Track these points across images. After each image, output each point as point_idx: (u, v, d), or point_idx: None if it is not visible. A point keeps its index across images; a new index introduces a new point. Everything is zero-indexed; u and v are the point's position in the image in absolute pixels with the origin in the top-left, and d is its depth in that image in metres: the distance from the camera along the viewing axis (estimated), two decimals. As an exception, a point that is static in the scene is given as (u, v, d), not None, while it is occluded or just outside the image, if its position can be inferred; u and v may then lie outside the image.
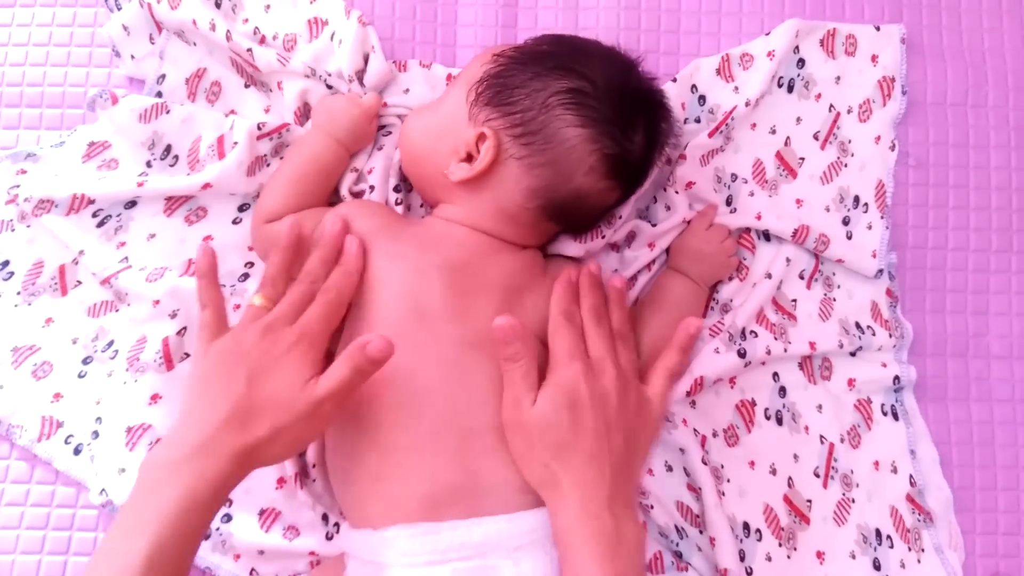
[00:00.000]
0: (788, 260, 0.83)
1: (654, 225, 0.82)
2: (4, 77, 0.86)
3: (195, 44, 0.84)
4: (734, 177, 0.84)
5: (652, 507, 0.77)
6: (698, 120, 0.85)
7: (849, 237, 0.84)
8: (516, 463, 0.64)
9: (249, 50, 0.81)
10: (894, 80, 0.88)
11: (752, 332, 0.80)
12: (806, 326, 0.83)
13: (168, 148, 0.82)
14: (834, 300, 0.85)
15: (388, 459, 0.66)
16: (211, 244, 0.71)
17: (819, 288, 0.85)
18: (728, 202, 0.84)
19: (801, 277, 0.84)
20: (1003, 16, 0.91)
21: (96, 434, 0.77)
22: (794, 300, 0.84)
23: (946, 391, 0.85)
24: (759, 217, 0.83)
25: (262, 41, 0.83)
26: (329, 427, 0.68)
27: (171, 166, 0.82)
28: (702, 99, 0.85)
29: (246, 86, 0.84)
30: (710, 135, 0.82)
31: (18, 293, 0.81)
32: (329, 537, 0.76)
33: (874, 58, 0.88)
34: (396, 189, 0.80)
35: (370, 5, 0.87)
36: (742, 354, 0.79)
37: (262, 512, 0.76)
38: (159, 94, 0.84)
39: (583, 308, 0.70)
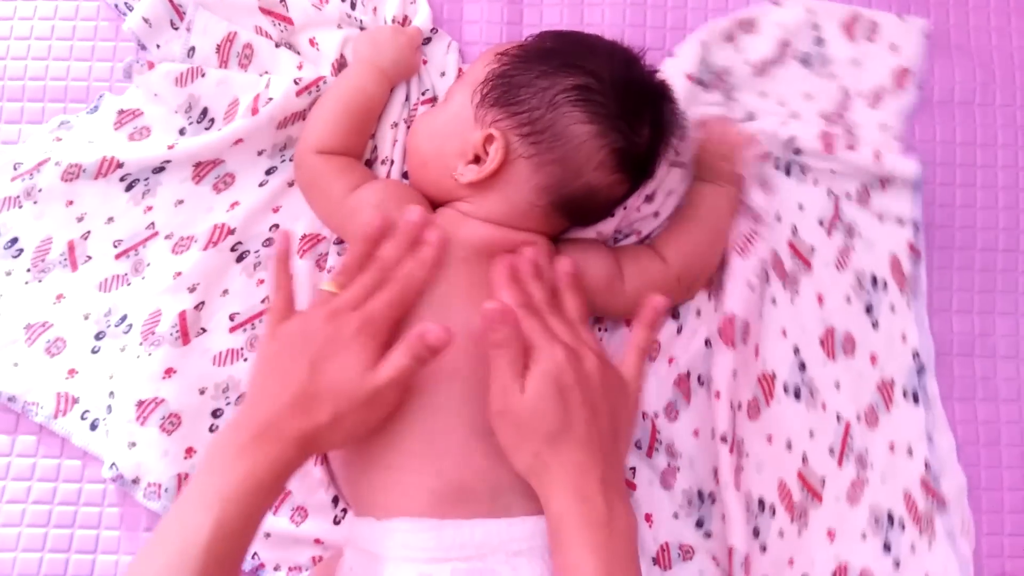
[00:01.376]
0: (801, 206, 0.83)
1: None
2: (6, 71, 0.86)
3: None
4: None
5: (679, 469, 0.77)
6: (703, 83, 0.85)
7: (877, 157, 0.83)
8: (505, 452, 0.63)
9: (283, 1, 0.81)
10: (910, 72, 0.88)
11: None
12: (821, 275, 0.83)
13: (205, 111, 0.82)
14: (853, 250, 0.84)
15: (400, 449, 0.65)
16: (286, 232, 0.70)
17: (839, 237, 0.84)
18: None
19: (821, 224, 0.84)
20: (1011, 14, 0.91)
21: (109, 408, 0.76)
22: (812, 247, 0.83)
23: (952, 391, 0.85)
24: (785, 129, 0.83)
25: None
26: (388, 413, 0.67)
27: (206, 129, 0.82)
28: (706, 62, 0.85)
29: (276, 46, 0.84)
30: (680, 130, 0.80)
31: (28, 270, 0.80)
32: (336, 521, 0.76)
33: (894, 47, 0.88)
34: None
35: (376, 1, 0.87)
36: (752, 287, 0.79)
37: None
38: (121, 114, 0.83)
39: (535, 300, 0.69)
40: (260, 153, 0.81)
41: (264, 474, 0.58)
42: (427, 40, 0.85)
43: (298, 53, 0.84)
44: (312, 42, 0.83)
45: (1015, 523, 0.83)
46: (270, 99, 0.79)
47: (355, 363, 0.62)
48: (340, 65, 0.82)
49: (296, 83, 0.79)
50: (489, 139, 0.71)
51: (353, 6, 0.84)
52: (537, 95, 0.70)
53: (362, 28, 0.83)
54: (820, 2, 0.88)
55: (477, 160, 0.72)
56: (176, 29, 0.83)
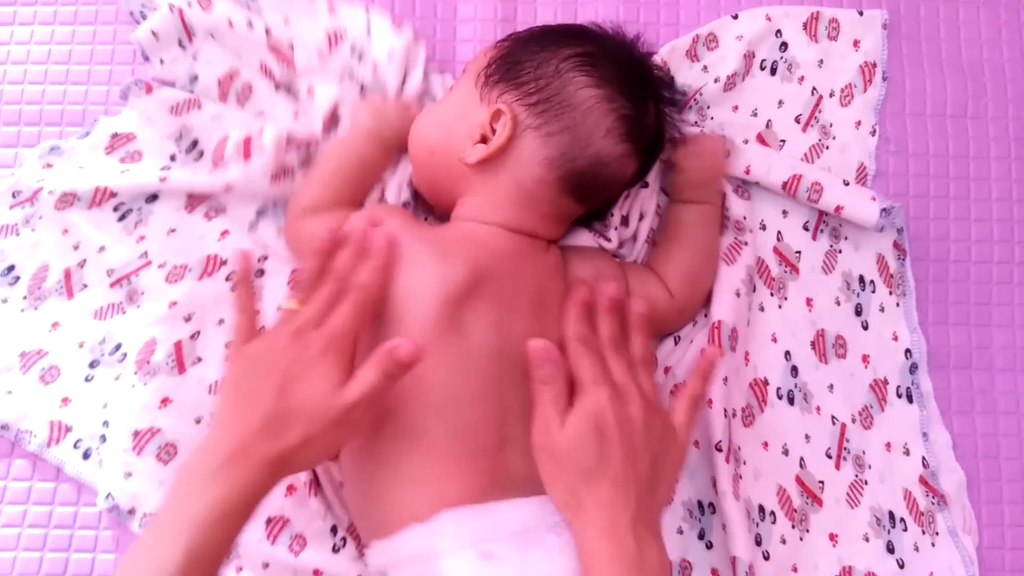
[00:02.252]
0: (785, 212, 0.84)
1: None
2: (2, 95, 0.86)
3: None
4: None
5: (676, 480, 0.76)
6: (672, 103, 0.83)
7: (846, 184, 0.83)
8: (544, 484, 0.64)
9: (291, 46, 0.81)
10: (875, 65, 0.88)
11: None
12: (808, 280, 0.83)
13: (195, 142, 0.81)
14: (839, 252, 0.84)
15: (431, 459, 0.65)
16: (241, 248, 0.71)
17: (825, 239, 0.84)
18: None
19: (806, 228, 0.84)
20: (1001, 28, 0.90)
21: (103, 438, 0.76)
22: (798, 252, 0.83)
23: (950, 404, 0.84)
24: (747, 171, 0.82)
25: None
26: (361, 432, 0.66)
27: (195, 160, 0.81)
28: (671, 80, 0.84)
29: (276, 89, 0.83)
30: (679, 111, 0.81)
31: (24, 297, 0.80)
32: (336, 550, 0.75)
33: (856, 43, 0.88)
34: (405, 205, 0.80)
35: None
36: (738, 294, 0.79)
37: (269, 520, 0.74)
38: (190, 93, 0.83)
39: (602, 335, 0.68)
40: (252, 199, 0.81)
41: (235, 499, 0.57)
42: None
43: (296, 99, 0.84)
44: (310, 91, 0.82)
45: (1014, 513, 0.82)
46: (262, 146, 0.78)
47: (323, 382, 0.61)
48: (331, 121, 0.82)
49: (288, 138, 0.79)
50: (496, 115, 0.70)
51: (360, 58, 0.83)
52: (542, 65, 0.70)
53: (362, 88, 0.82)
54: (778, 7, 0.88)
55: (485, 141, 0.71)
56: (183, 48, 0.83)
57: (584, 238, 0.78)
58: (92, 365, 0.79)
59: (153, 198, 0.81)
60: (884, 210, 0.81)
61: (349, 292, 0.65)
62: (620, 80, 0.70)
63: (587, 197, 0.73)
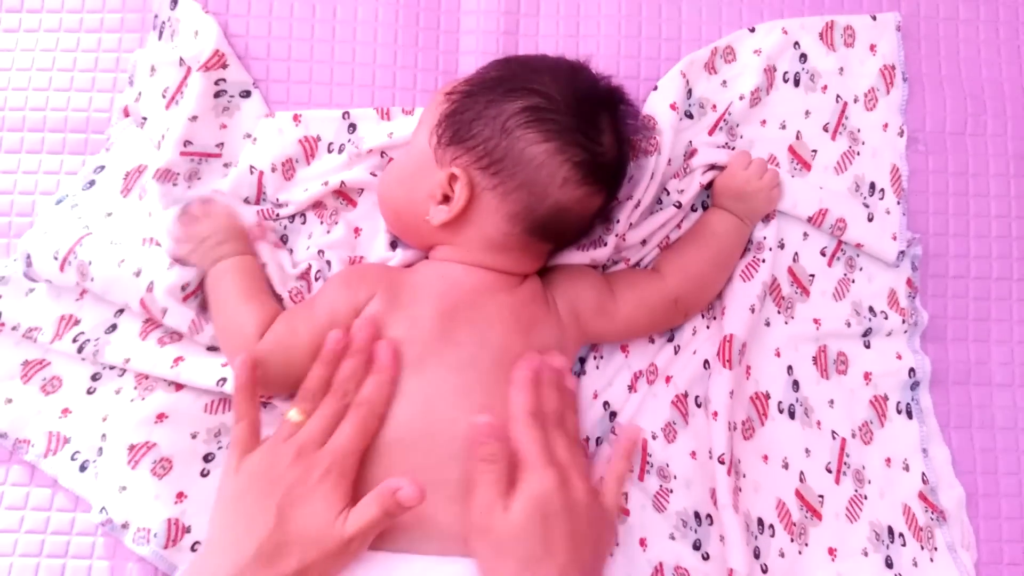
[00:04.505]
0: (806, 235, 0.82)
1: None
2: (7, 101, 0.84)
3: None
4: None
5: (672, 491, 0.74)
6: (690, 115, 0.82)
7: (870, 219, 0.83)
8: (480, 569, 0.60)
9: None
10: (894, 67, 0.87)
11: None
12: (817, 303, 0.82)
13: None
14: (852, 282, 0.83)
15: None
16: (248, 360, 0.67)
17: (840, 267, 0.83)
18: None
19: (823, 254, 0.83)
20: (1000, 46, 0.90)
21: (101, 451, 0.74)
22: (812, 275, 0.82)
23: (948, 419, 0.83)
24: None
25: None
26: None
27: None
28: (690, 92, 0.83)
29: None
30: (710, 132, 0.81)
31: None
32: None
33: (872, 47, 0.87)
34: (393, 246, 0.78)
35: (373, 11, 0.85)
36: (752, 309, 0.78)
37: None
38: (92, 182, 0.80)
39: (547, 410, 0.66)
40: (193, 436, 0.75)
41: None
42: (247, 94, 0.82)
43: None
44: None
45: (1012, 529, 0.81)
46: (163, 310, 0.74)
47: (324, 510, 0.59)
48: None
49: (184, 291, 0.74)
50: (453, 178, 0.69)
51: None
52: (488, 125, 0.68)
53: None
54: (793, 19, 0.86)
55: (447, 200, 0.70)
56: (164, 98, 0.80)
57: (572, 256, 0.77)
58: (94, 378, 0.76)
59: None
60: (902, 252, 0.82)
61: (354, 408, 0.64)
62: (569, 128, 0.68)
63: (557, 237, 0.73)
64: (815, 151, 0.84)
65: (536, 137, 0.67)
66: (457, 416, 0.65)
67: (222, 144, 0.81)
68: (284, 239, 0.79)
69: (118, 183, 0.79)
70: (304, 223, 0.80)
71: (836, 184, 0.83)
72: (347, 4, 0.85)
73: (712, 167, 0.80)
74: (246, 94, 0.82)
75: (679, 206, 0.79)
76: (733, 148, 0.82)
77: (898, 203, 0.84)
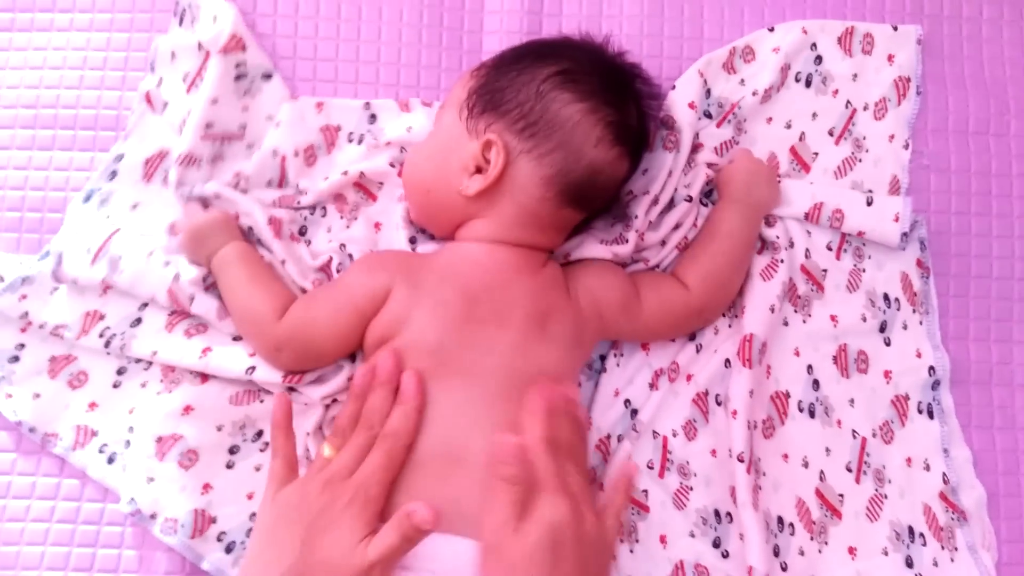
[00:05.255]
0: (809, 233, 0.81)
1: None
2: (39, 99, 0.84)
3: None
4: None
5: (692, 488, 0.74)
6: (708, 115, 0.82)
7: (869, 204, 0.81)
8: None
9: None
10: (909, 80, 0.85)
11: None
12: (832, 298, 0.81)
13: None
14: (863, 271, 0.82)
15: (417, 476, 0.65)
16: (284, 399, 0.68)
17: (848, 259, 0.82)
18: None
19: (829, 248, 0.82)
20: None
21: (128, 443, 0.74)
22: (824, 270, 0.81)
23: (970, 419, 0.81)
24: None
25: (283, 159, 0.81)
26: None
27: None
28: (708, 92, 0.83)
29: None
30: (718, 125, 0.81)
31: None
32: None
33: (890, 57, 0.86)
34: (412, 241, 0.78)
35: (398, 12, 0.85)
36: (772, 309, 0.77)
37: None
38: (114, 173, 0.80)
39: (561, 440, 0.65)
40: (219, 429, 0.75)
41: None
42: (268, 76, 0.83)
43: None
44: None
45: None
46: (190, 298, 0.75)
47: (347, 537, 0.59)
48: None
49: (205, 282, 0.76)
50: (487, 145, 0.69)
51: None
52: (523, 90, 0.70)
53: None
54: (814, 21, 0.85)
55: (479, 171, 0.70)
56: (184, 83, 0.81)
57: (595, 249, 0.76)
58: (120, 372, 0.77)
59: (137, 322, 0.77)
60: (905, 234, 0.80)
61: (380, 439, 0.64)
62: (600, 90, 0.70)
63: (587, 204, 0.73)
64: (816, 153, 0.83)
65: (571, 97, 0.69)
66: (480, 416, 0.65)
67: (244, 125, 0.81)
68: (303, 230, 0.80)
69: (139, 170, 0.80)
70: (324, 215, 0.80)
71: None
72: (372, 4, 0.85)
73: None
74: (267, 77, 0.83)
75: (690, 199, 0.78)
76: (737, 143, 0.82)
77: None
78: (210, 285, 0.75)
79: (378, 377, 0.67)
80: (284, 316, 0.71)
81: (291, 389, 0.75)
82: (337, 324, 0.71)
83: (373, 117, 0.82)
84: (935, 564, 0.76)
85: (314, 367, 0.73)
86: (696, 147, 0.80)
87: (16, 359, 0.77)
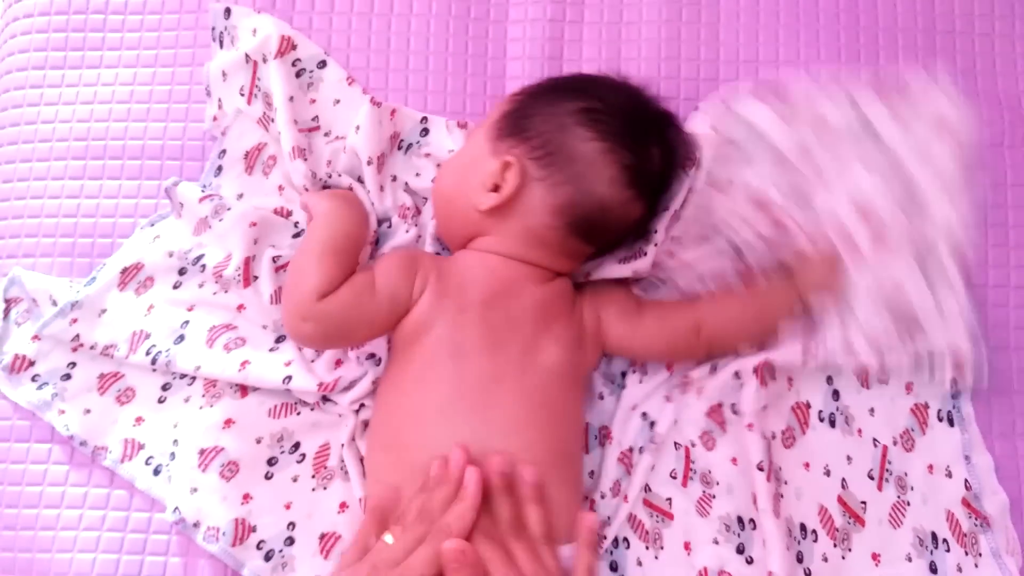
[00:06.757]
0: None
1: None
2: (108, 131, 0.87)
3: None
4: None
5: (715, 496, 0.74)
6: (733, 142, 0.80)
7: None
8: None
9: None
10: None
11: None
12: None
13: (199, 258, 0.81)
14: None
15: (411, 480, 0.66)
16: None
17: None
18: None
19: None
20: None
21: (173, 455, 0.76)
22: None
23: (991, 427, 0.80)
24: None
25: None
26: None
27: (200, 272, 0.81)
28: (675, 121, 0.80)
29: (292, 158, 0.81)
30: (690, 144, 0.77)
31: None
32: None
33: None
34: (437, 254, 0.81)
35: (424, 39, 0.88)
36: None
37: (323, 536, 0.74)
38: (219, 168, 0.84)
39: (501, 519, 0.65)
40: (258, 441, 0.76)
41: None
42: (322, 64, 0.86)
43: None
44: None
45: None
46: (254, 277, 0.79)
47: None
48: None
49: (275, 260, 0.79)
50: (506, 166, 0.71)
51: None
52: (547, 120, 0.71)
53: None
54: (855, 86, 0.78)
55: (496, 190, 0.72)
56: (243, 96, 0.83)
57: (615, 269, 0.77)
58: (165, 388, 0.79)
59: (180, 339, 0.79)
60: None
61: (433, 534, 0.62)
62: (621, 133, 0.70)
63: (597, 238, 0.74)
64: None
65: (590, 135, 0.70)
66: (496, 417, 0.67)
67: (317, 117, 0.84)
68: (377, 241, 0.82)
69: (240, 163, 0.84)
70: (390, 227, 0.83)
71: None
72: (400, 34, 0.87)
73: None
74: (322, 64, 0.86)
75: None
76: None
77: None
78: (280, 267, 0.79)
79: (450, 473, 0.65)
80: (330, 295, 0.70)
81: (325, 399, 0.77)
82: (375, 318, 0.71)
83: (426, 131, 0.85)
84: (959, 570, 0.75)
85: (330, 347, 0.76)
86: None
87: (68, 377, 0.79)
